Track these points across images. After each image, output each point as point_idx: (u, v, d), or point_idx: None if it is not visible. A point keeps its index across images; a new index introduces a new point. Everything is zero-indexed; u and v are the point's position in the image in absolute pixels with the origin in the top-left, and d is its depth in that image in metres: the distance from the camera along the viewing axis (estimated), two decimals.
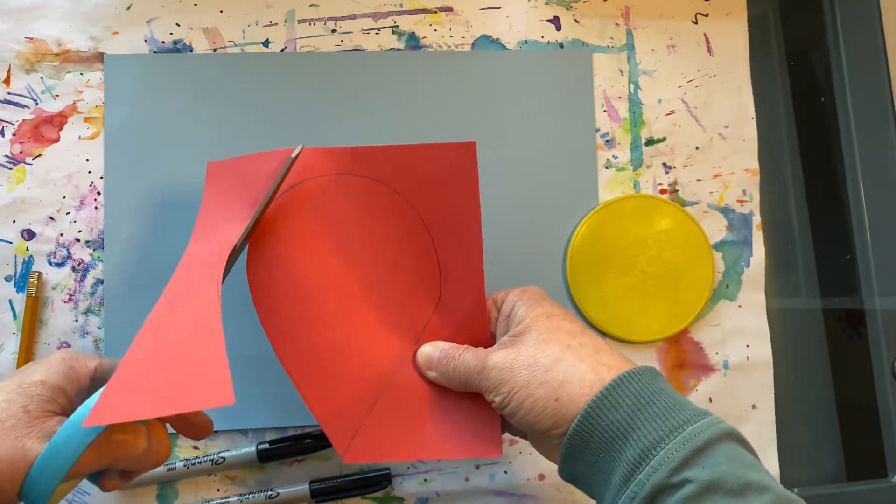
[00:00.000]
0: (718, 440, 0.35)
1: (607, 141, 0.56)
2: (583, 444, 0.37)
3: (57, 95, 0.53)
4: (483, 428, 0.44)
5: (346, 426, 0.44)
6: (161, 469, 0.49)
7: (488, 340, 0.45)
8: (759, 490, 0.33)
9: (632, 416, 0.36)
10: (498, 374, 0.40)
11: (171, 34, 0.54)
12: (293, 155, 0.44)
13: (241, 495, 0.50)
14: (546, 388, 0.38)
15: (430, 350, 0.45)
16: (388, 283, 0.46)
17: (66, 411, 0.37)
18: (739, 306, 0.55)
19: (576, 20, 0.56)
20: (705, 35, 0.57)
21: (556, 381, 0.38)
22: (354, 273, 0.46)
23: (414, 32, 0.55)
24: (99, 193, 0.52)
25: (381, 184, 0.45)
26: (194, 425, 0.43)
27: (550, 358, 0.39)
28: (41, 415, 0.36)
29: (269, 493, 0.50)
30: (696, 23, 0.57)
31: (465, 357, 0.43)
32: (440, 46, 0.55)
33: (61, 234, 0.52)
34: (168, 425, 0.43)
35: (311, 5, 0.55)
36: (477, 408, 0.44)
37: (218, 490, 0.51)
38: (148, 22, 0.54)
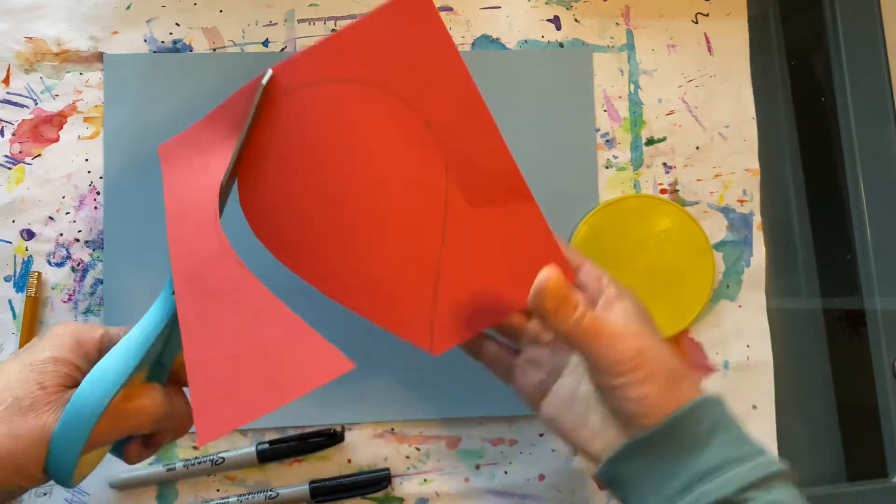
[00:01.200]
0: (784, 475, 0.37)
1: (607, 141, 0.56)
2: (653, 444, 0.38)
3: (56, 95, 0.52)
4: (545, 262, 0.41)
5: (420, 325, 0.43)
6: (161, 469, 0.49)
7: (531, 198, 0.42)
8: None
9: (711, 433, 0.37)
10: (633, 357, 0.38)
11: (171, 34, 0.54)
12: (264, 81, 0.41)
13: (240, 495, 0.50)
14: (668, 383, 0.38)
15: (562, 283, 0.39)
16: (390, 173, 0.43)
17: (79, 384, 0.36)
18: (739, 306, 0.55)
19: (576, 20, 0.56)
20: (705, 35, 0.57)
21: (675, 377, 0.39)
22: (355, 176, 0.43)
23: None
24: (98, 193, 0.52)
25: (351, 83, 0.42)
26: None
27: (668, 352, 0.40)
28: (57, 390, 0.35)
29: (269, 493, 0.50)
30: (697, 23, 0.57)
31: (593, 320, 0.39)
32: None
33: (61, 234, 0.51)
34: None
35: (310, 5, 0.55)
36: (529, 243, 0.43)
37: (218, 490, 0.51)
38: (148, 22, 0.54)
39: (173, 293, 0.38)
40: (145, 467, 0.49)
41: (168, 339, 0.39)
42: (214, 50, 0.54)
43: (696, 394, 0.38)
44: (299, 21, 0.55)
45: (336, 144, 0.43)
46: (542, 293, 0.38)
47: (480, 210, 0.43)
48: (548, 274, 0.38)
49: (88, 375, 0.35)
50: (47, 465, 0.34)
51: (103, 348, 0.38)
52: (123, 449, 0.39)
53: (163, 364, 0.40)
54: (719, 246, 0.56)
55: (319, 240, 0.43)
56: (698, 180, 0.56)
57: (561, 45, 0.56)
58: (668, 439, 0.37)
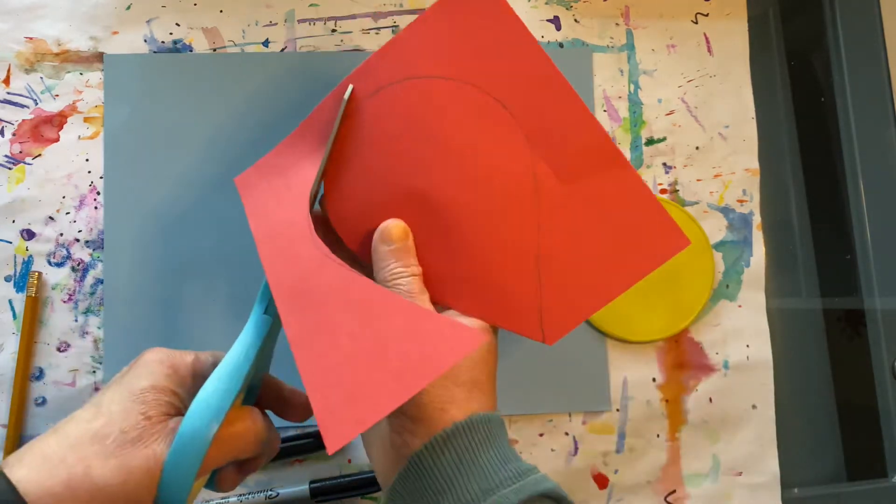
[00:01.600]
0: (529, 503, 0.35)
1: None
2: (407, 492, 0.37)
3: (57, 95, 0.52)
4: (653, 228, 0.40)
5: (529, 315, 0.41)
6: None
7: (627, 165, 0.41)
8: None
9: (454, 472, 0.35)
10: None
11: (171, 34, 0.54)
12: (346, 96, 0.41)
13: (240, 495, 0.50)
14: (444, 402, 0.37)
15: (397, 234, 0.41)
16: (477, 164, 0.42)
17: (181, 411, 0.36)
18: (739, 306, 0.55)
19: (576, 20, 0.56)
20: (705, 35, 0.57)
21: (451, 400, 0.37)
22: (442, 171, 0.42)
23: None
24: (98, 193, 0.52)
25: (426, 79, 0.42)
26: (296, 405, 0.42)
27: (468, 379, 0.38)
28: (161, 419, 0.35)
29: (269, 493, 0.50)
30: (696, 23, 0.57)
31: (413, 282, 0.40)
32: None
33: (61, 234, 0.52)
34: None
35: (310, 5, 0.55)
36: (631, 213, 0.41)
37: None
38: (148, 22, 0.54)
39: (264, 313, 0.38)
40: None
41: (258, 362, 0.38)
42: (214, 50, 0.54)
43: (442, 425, 0.36)
44: (299, 21, 0.55)
45: (419, 141, 0.42)
46: (377, 232, 0.40)
47: (574, 186, 0.41)
48: (394, 222, 0.41)
49: (194, 403, 0.35)
50: (159, 495, 0.34)
51: (196, 373, 0.38)
52: (217, 476, 0.39)
53: (252, 388, 0.40)
54: (719, 246, 0.56)
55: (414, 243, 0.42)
56: (698, 180, 0.56)
57: (561, 45, 0.56)
58: (415, 480, 0.36)
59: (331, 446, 0.31)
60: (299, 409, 0.42)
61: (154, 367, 0.37)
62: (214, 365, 0.37)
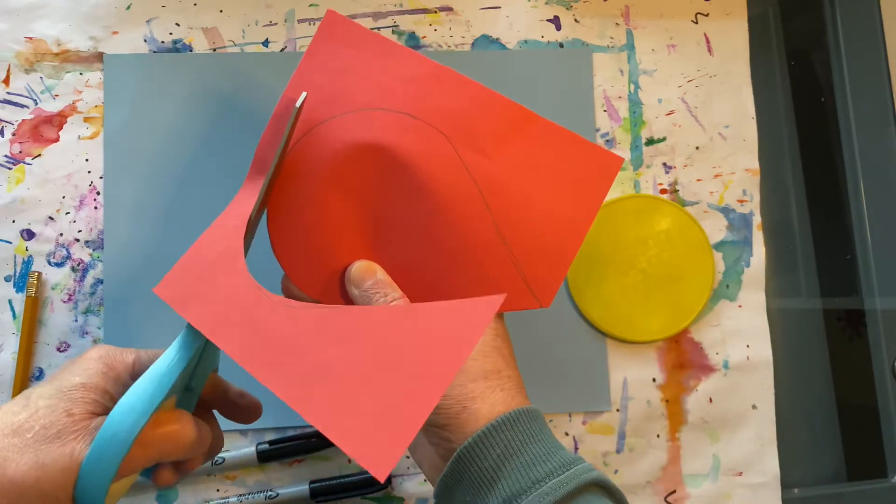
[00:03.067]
0: (579, 492, 0.35)
1: (607, 141, 0.56)
2: (455, 484, 0.37)
3: (56, 95, 0.52)
4: (585, 160, 0.42)
5: (518, 289, 0.42)
6: None
7: (536, 117, 0.43)
8: None
9: (500, 465, 0.36)
10: None
11: (171, 34, 0.54)
12: (298, 104, 0.40)
13: (240, 496, 0.50)
14: (462, 399, 0.37)
15: (366, 271, 0.41)
16: (414, 177, 0.42)
17: (109, 410, 0.36)
18: (739, 306, 0.55)
19: (576, 20, 0.56)
20: (705, 35, 0.57)
21: (470, 396, 0.37)
22: (388, 194, 0.42)
23: (414, 32, 0.55)
24: (98, 193, 0.52)
25: (386, 111, 0.43)
26: (242, 407, 0.42)
27: (480, 371, 0.38)
28: (85, 417, 0.35)
29: (269, 493, 0.50)
30: (697, 23, 0.57)
31: (403, 304, 0.40)
32: (440, 46, 0.55)
33: (61, 234, 0.52)
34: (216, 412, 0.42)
35: (310, 5, 0.55)
36: (562, 157, 0.42)
37: (217, 490, 0.51)
38: (148, 22, 0.54)
39: None
40: None
41: (198, 364, 0.38)
42: (214, 50, 0.54)
43: (485, 420, 0.37)
44: (299, 21, 0.55)
45: (355, 172, 0.42)
46: (347, 279, 0.41)
47: (499, 157, 0.42)
48: (356, 265, 0.41)
49: (118, 404, 0.35)
50: (76, 494, 0.34)
51: (136, 373, 0.38)
52: (153, 473, 0.39)
53: (192, 389, 0.40)
54: (719, 246, 0.56)
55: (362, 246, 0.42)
56: (698, 180, 0.56)
57: (561, 45, 0.56)
58: (462, 478, 0.36)
59: (380, 475, 0.30)
60: (244, 412, 0.42)
61: (90, 364, 0.37)
62: None
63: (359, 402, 0.33)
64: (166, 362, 0.36)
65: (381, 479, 0.30)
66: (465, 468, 0.36)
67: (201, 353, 0.38)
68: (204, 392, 0.41)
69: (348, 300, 0.42)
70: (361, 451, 0.31)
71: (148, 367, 0.37)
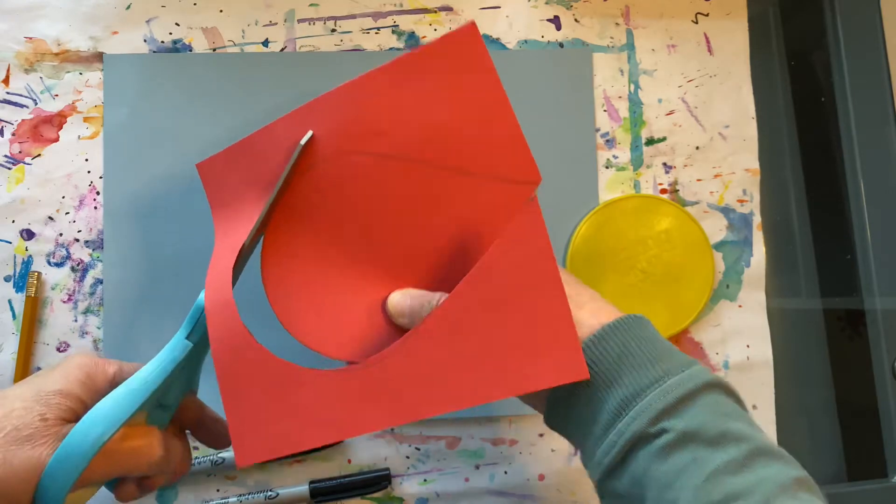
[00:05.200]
0: (700, 391, 0.35)
1: (607, 141, 0.56)
2: (568, 392, 0.37)
3: (56, 95, 0.52)
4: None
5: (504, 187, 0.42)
6: None
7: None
8: (737, 439, 0.33)
9: (617, 366, 0.36)
10: None
11: (171, 34, 0.54)
12: (302, 142, 0.41)
13: (240, 496, 0.50)
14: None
15: (400, 298, 0.42)
16: (420, 223, 0.43)
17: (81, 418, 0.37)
18: (739, 306, 0.55)
19: (576, 20, 0.56)
20: (705, 35, 0.57)
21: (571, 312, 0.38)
22: (389, 240, 0.43)
23: (414, 32, 0.55)
24: (98, 193, 0.52)
25: (377, 156, 0.42)
26: (215, 433, 0.43)
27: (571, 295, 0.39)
28: (56, 423, 0.35)
29: (269, 493, 0.50)
30: (697, 23, 0.57)
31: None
32: None
33: (60, 234, 0.51)
34: (189, 433, 0.43)
35: (310, 5, 0.55)
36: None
37: (217, 490, 0.51)
38: (147, 21, 0.54)
39: (186, 338, 0.39)
40: None
41: (173, 383, 0.39)
42: (214, 50, 0.54)
43: (594, 326, 0.37)
44: (299, 21, 0.55)
45: (364, 209, 0.43)
46: (391, 315, 0.42)
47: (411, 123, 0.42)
48: (390, 299, 0.42)
49: (87, 414, 0.35)
50: (36, 498, 0.34)
51: (115, 384, 0.38)
52: (115, 487, 0.39)
53: (166, 406, 0.40)
54: (719, 246, 0.56)
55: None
56: (698, 180, 0.56)
57: (561, 45, 0.56)
58: (577, 384, 0.36)
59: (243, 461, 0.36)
60: (217, 437, 0.43)
61: (70, 371, 0.37)
62: None
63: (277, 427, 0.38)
64: (142, 377, 0.37)
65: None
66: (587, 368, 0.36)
67: (179, 372, 0.38)
68: (179, 412, 0.41)
69: (341, 347, 0.43)
70: (237, 442, 0.37)
71: (127, 378, 0.38)
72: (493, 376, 0.38)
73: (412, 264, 0.43)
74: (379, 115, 0.42)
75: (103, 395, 0.37)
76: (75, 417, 0.36)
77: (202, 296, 0.39)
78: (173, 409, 0.41)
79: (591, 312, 0.38)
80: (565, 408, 0.37)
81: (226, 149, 0.44)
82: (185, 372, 0.39)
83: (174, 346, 0.38)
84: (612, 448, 0.35)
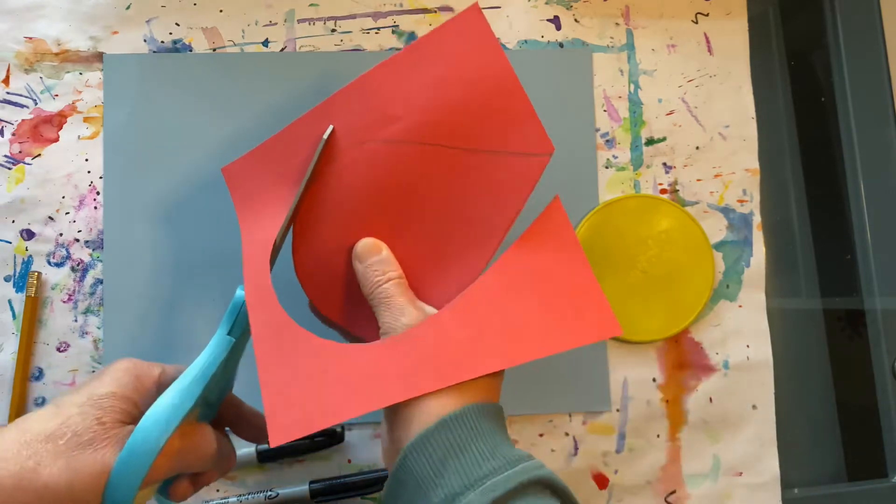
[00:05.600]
0: (522, 489, 0.35)
1: (607, 141, 0.56)
2: (400, 484, 0.37)
3: (56, 95, 0.52)
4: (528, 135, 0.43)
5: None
6: None
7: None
8: None
9: (443, 464, 0.35)
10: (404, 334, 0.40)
11: (171, 34, 0.54)
12: (325, 136, 0.43)
13: (240, 496, 0.50)
14: (405, 417, 0.38)
15: (373, 246, 0.43)
16: (440, 202, 0.44)
17: (137, 420, 0.37)
18: (739, 306, 0.55)
19: (576, 20, 0.56)
20: (705, 35, 0.57)
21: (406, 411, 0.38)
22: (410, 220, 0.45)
23: (414, 32, 0.55)
24: (98, 193, 0.52)
25: (398, 143, 0.44)
26: (255, 426, 0.44)
27: None
28: (115, 425, 0.36)
29: (269, 493, 0.50)
30: (697, 23, 0.57)
31: (396, 285, 0.42)
32: None
33: (60, 234, 0.51)
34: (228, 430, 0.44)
35: (310, 5, 0.55)
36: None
37: (217, 490, 0.51)
38: (147, 21, 0.54)
39: (228, 334, 0.40)
40: None
41: (216, 380, 0.39)
42: (214, 50, 0.54)
43: (430, 418, 0.37)
44: (299, 21, 0.55)
45: (396, 201, 0.44)
46: (354, 255, 0.43)
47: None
48: (362, 241, 0.43)
49: (147, 413, 0.36)
50: (105, 499, 0.35)
51: (161, 385, 0.39)
52: (170, 487, 0.40)
53: (211, 404, 0.41)
54: (719, 246, 0.56)
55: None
56: (698, 180, 0.56)
57: (561, 45, 0.56)
58: (407, 477, 0.36)
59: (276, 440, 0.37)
60: (254, 430, 0.44)
61: (119, 375, 0.38)
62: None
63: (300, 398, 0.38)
64: (192, 375, 0.38)
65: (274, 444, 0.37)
66: (409, 469, 0.36)
67: (221, 369, 0.39)
68: (219, 410, 0.43)
69: (370, 324, 0.43)
70: (272, 423, 0.37)
71: (172, 379, 0.39)
72: (530, 338, 0.40)
73: (432, 243, 0.44)
74: (393, 103, 0.43)
75: (152, 396, 0.38)
76: (131, 419, 0.37)
77: (240, 291, 0.41)
78: (216, 407, 0.42)
79: (445, 396, 0.38)
80: (397, 497, 0.37)
81: (249, 152, 0.45)
82: (226, 369, 0.40)
83: (217, 343, 0.39)
84: None
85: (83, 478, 0.34)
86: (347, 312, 0.45)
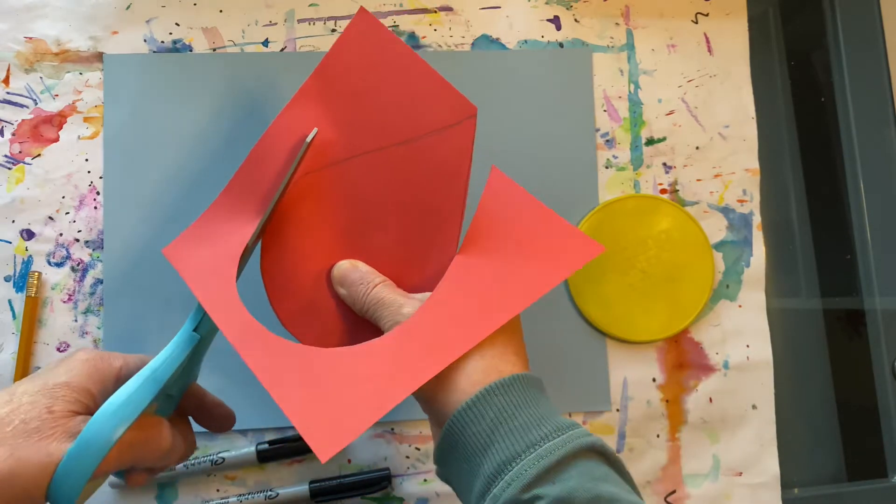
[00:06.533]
0: (574, 456, 0.35)
1: (607, 141, 0.56)
2: (451, 450, 0.37)
3: (56, 95, 0.52)
4: (441, 100, 0.43)
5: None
6: None
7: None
8: (609, 503, 0.33)
9: (493, 430, 0.35)
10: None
11: (171, 34, 0.54)
12: (308, 139, 0.43)
13: (240, 496, 0.50)
14: (444, 385, 0.38)
15: (348, 267, 0.44)
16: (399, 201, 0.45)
17: (91, 411, 0.37)
18: (739, 306, 0.55)
19: (576, 20, 0.56)
20: (705, 35, 0.57)
21: (446, 376, 0.38)
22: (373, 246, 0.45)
23: (414, 32, 0.55)
24: (98, 193, 0.52)
25: (349, 160, 0.44)
26: (217, 417, 0.43)
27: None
28: (65, 414, 0.35)
29: (269, 493, 0.50)
30: (697, 23, 0.57)
31: (381, 289, 0.42)
32: (440, 46, 0.55)
33: (60, 234, 0.51)
34: (191, 419, 0.44)
35: (310, 5, 0.55)
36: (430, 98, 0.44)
37: (217, 490, 0.51)
38: (147, 21, 0.54)
39: (194, 330, 0.39)
40: None
41: (179, 374, 0.39)
42: (214, 50, 0.54)
43: (474, 387, 0.37)
44: (299, 21, 0.55)
45: (346, 216, 0.45)
46: (334, 282, 0.44)
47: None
48: (336, 267, 0.44)
49: (102, 407, 0.35)
50: (50, 490, 0.34)
51: (121, 378, 0.38)
52: (126, 475, 0.40)
53: (172, 396, 0.41)
54: (719, 246, 0.56)
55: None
56: (698, 180, 0.56)
57: (561, 45, 0.56)
58: (457, 444, 0.36)
59: (324, 456, 0.35)
60: (218, 421, 0.44)
61: (76, 364, 0.38)
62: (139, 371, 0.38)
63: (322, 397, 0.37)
64: (154, 369, 0.37)
65: (325, 459, 0.35)
66: (458, 435, 0.36)
67: (186, 363, 0.39)
68: (182, 399, 0.42)
69: (335, 338, 0.44)
70: (317, 439, 0.36)
71: (133, 371, 0.38)
72: (527, 283, 0.41)
73: (401, 244, 0.44)
74: (320, 128, 0.44)
75: (109, 388, 0.37)
76: (85, 409, 0.36)
77: None
78: (178, 399, 0.42)
79: (484, 367, 0.38)
80: (449, 464, 0.38)
81: (188, 228, 0.45)
82: (190, 364, 0.40)
83: (182, 339, 0.39)
84: None
85: (26, 467, 0.33)
86: (326, 342, 0.44)
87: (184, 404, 0.42)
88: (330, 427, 0.36)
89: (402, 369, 0.38)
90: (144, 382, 0.37)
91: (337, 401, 0.37)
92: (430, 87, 0.43)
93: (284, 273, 0.44)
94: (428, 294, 0.41)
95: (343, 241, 0.45)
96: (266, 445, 0.50)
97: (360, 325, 0.43)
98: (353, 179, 0.44)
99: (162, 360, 0.38)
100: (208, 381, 0.46)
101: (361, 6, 0.44)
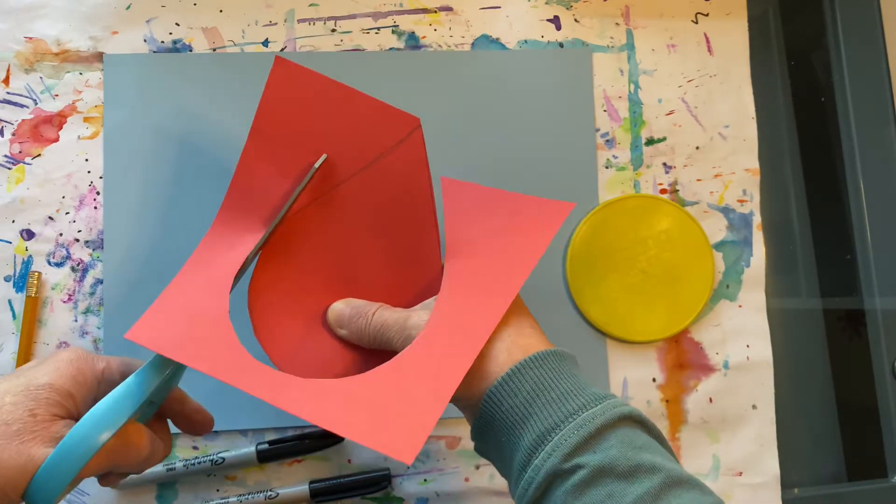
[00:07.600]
0: (613, 425, 0.35)
1: (607, 141, 0.56)
2: (488, 426, 0.37)
3: (56, 95, 0.52)
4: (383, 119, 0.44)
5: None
6: (161, 469, 0.49)
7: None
8: (650, 471, 0.34)
9: (531, 402, 0.36)
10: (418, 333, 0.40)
11: (171, 34, 0.54)
12: (316, 165, 0.44)
13: (240, 496, 0.50)
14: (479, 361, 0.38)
15: (342, 307, 0.44)
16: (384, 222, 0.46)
17: (73, 415, 0.37)
18: (739, 306, 0.55)
19: (576, 20, 0.56)
20: (705, 35, 0.57)
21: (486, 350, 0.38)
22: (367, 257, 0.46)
23: (414, 32, 0.55)
24: (98, 193, 0.52)
25: (315, 202, 0.45)
26: (196, 423, 0.43)
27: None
28: (47, 418, 0.35)
29: (269, 493, 0.50)
30: (697, 22, 0.57)
31: (381, 314, 0.42)
32: (440, 46, 0.55)
33: (60, 234, 0.51)
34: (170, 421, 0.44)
35: (310, 5, 0.55)
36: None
37: (217, 490, 0.51)
38: (147, 21, 0.54)
39: None
40: None
41: (167, 382, 0.39)
42: (214, 50, 0.54)
43: (502, 367, 0.37)
44: (299, 21, 0.55)
45: (327, 256, 0.46)
46: (332, 325, 0.44)
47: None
48: (329, 310, 0.44)
49: (87, 415, 0.35)
50: (28, 494, 0.34)
51: (104, 380, 0.38)
52: (100, 476, 0.40)
53: (154, 403, 0.41)
54: (719, 246, 0.56)
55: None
56: (698, 180, 0.56)
57: (561, 45, 0.56)
58: (493, 419, 0.37)
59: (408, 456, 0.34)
60: (197, 426, 0.43)
61: (60, 365, 0.37)
62: (123, 375, 0.38)
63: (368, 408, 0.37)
64: (141, 378, 0.37)
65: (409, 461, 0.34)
66: (496, 409, 0.37)
67: (173, 373, 0.39)
68: (163, 404, 0.42)
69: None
70: (384, 444, 0.35)
71: (117, 375, 0.38)
72: (522, 253, 0.42)
73: (387, 269, 0.45)
74: (276, 184, 0.45)
75: (91, 390, 0.37)
76: (67, 413, 0.36)
77: None
78: (159, 405, 0.42)
79: (507, 347, 0.38)
80: (487, 441, 0.38)
81: (150, 307, 0.42)
82: (177, 371, 0.40)
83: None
84: (529, 485, 0.35)
85: (6, 468, 0.33)
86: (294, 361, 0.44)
87: (164, 408, 0.42)
88: (402, 432, 0.35)
89: (441, 365, 0.38)
90: (131, 391, 0.36)
91: (395, 410, 0.36)
92: (368, 111, 0.43)
93: (277, 319, 0.44)
94: (428, 300, 0.41)
95: (333, 278, 0.45)
96: (266, 445, 0.50)
97: (367, 356, 0.44)
98: (325, 218, 0.45)
99: (149, 369, 0.38)
100: (207, 380, 0.45)
101: (277, 55, 0.44)
